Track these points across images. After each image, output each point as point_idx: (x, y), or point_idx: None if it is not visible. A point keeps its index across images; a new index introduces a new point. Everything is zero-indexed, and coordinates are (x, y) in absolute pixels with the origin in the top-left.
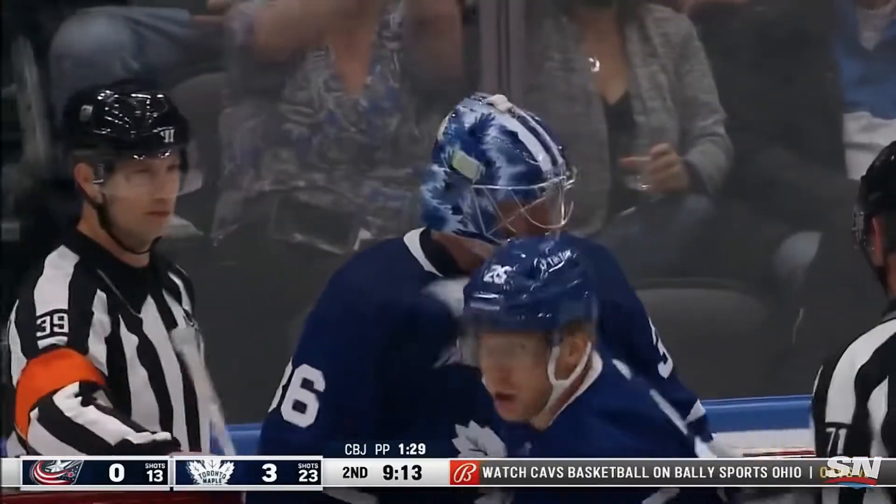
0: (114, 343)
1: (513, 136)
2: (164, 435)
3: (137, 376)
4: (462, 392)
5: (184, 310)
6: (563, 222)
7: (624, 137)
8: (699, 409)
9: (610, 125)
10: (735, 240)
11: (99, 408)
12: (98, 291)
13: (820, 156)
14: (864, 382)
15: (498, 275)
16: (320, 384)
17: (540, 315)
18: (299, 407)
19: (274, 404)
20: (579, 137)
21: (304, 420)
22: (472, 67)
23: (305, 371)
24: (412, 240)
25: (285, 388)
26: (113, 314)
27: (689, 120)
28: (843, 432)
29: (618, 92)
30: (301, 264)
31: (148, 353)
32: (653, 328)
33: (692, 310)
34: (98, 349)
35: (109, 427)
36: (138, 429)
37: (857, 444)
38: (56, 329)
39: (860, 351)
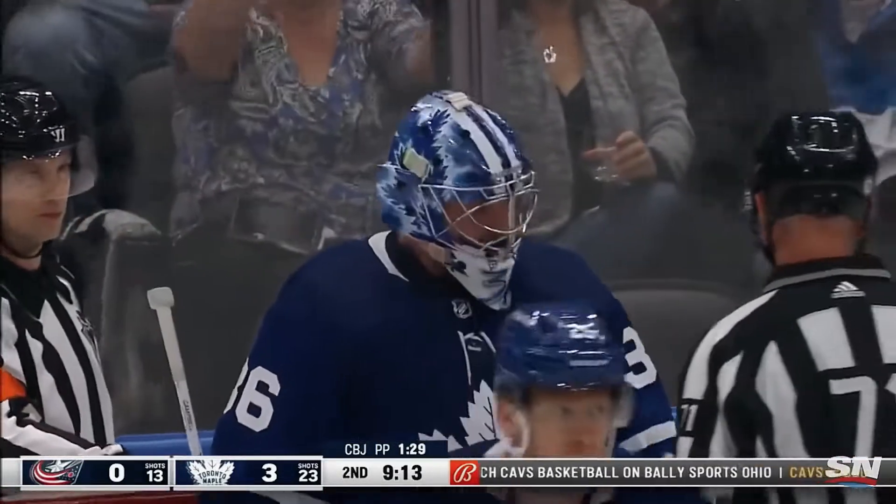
0: (22, 350)
1: (464, 135)
2: (115, 447)
3: (45, 383)
4: (425, 401)
5: (76, 311)
6: (518, 228)
7: (582, 126)
8: (665, 430)
9: (567, 114)
10: (715, 239)
11: (37, 426)
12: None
13: None
14: (718, 357)
15: (583, 330)
16: (275, 388)
17: (623, 369)
18: (254, 410)
19: (229, 406)
20: (536, 129)
21: (258, 425)
22: (441, 63)
23: (261, 373)
24: (377, 241)
25: (241, 389)
26: (17, 320)
27: (645, 105)
28: (693, 408)
29: (573, 81)
30: (263, 265)
31: (52, 359)
32: (629, 337)
33: (671, 311)
34: (12, 358)
35: (54, 446)
36: (84, 444)
37: (704, 420)
38: None
39: (721, 326)
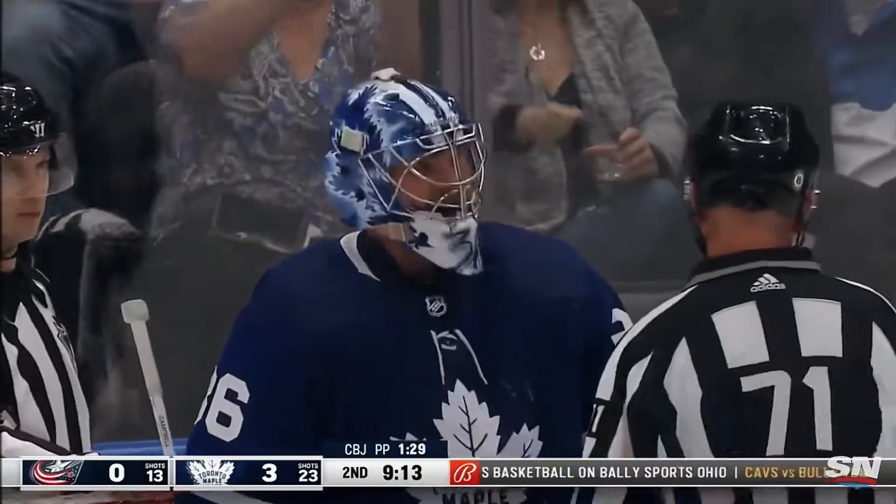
0: None
1: (393, 97)
2: (93, 455)
3: (20, 388)
4: (396, 403)
5: (51, 315)
6: (469, 180)
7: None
8: None
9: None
10: None
11: (12, 433)
12: None
13: None
14: (628, 357)
15: None
16: (244, 395)
17: None
18: (223, 420)
19: (199, 416)
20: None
21: (229, 434)
22: (431, 58)
23: (229, 381)
24: (349, 241)
25: (210, 398)
26: None
27: (635, 97)
28: (600, 409)
29: (562, 77)
30: (246, 264)
31: (27, 364)
32: (618, 318)
33: None
34: None
35: (29, 455)
36: (61, 452)
37: (607, 421)
38: None
39: (637, 325)
